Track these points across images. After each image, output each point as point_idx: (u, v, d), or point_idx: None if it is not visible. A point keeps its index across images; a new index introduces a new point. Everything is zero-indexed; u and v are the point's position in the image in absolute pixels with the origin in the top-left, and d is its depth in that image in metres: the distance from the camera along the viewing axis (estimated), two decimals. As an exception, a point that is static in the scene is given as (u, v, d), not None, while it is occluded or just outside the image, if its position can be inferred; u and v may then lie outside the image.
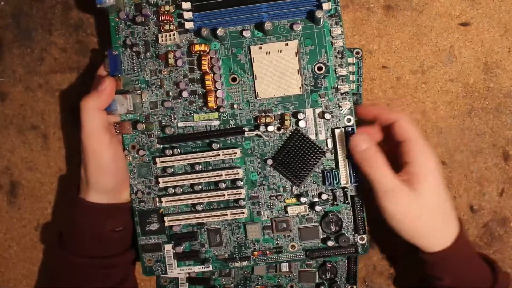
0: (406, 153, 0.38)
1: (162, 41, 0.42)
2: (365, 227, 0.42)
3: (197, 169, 0.42)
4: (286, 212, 0.42)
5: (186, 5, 0.41)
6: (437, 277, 0.39)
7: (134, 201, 0.43)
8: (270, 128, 0.42)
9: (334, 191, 0.42)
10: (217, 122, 0.43)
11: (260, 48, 0.42)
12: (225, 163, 0.43)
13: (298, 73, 0.42)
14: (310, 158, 0.42)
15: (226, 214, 0.42)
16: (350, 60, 0.44)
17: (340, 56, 0.42)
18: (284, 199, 0.43)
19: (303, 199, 0.42)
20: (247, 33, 0.41)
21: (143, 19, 0.41)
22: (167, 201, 0.42)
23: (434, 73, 0.45)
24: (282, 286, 0.46)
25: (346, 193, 0.42)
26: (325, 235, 0.43)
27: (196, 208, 0.43)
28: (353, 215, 0.42)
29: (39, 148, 0.49)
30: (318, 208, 0.42)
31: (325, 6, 0.40)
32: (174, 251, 0.43)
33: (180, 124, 0.43)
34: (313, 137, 0.42)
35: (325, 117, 0.41)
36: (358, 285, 0.45)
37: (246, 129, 0.42)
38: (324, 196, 0.42)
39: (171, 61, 0.42)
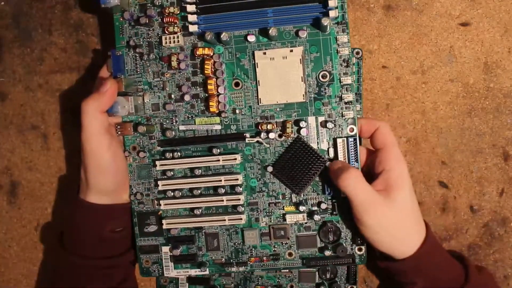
0: (383, 160, 0.39)
1: (166, 43, 0.42)
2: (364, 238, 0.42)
3: (196, 173, 0.42)
4: (285, 219, 0.42)
5: (190, 8, 0.40)
6: (410, 283, 0.39)
7: (133, 202, 0.43)
8: (272, 135, 0.41)
9: (334, 201, 0.42)
10: (218, 127, 0.42)
11: (265, 53, 0.41)
12: (225, 168, 0.43)
13: (302, 80, 0.41)
14: (310, 167, 0.41)
15: (224, 220, 0.42)
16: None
17: (345, 64, 0.41)
18: (283, 207, 0.42)
19: (302, 208, 0.42)
20: (251, 38, 0.41)
21: (147, 20, 0.41)
22: (165, 204, 0.42)
23: (434, 73, 0.44)
24: (282, 286, 0.45)
25: (347, 203, 0.42)
26: (323, 244, 0.42)
27: (195, 212, 0.43)
28: (351, 225, 0.42)
29: (39, 148, 0.49)
30: (316, 217, 0.42)
31: (332, 13, 0.39)
32: (171, 254, 0.43)
33: (181, 128, 0.43)
34: (314, 145, 0.42)
35: (327, 126, 0.41)
36: (358, 285, 0.45)
37: (247, 135, 0.42)
38: (323, 206, 0.42)
39: (174, 63, 0.42)
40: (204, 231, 0.43)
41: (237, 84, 0.42)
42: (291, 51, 0.41)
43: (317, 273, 0.45)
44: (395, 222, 0.38)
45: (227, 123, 0.42)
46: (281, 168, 0.42)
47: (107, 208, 0.41)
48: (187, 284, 0.47)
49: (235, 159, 0.41)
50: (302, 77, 0.41)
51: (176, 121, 0.43)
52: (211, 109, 0.42)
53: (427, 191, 0.46)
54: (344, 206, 0.42)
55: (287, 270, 0.45)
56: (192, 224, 0.42)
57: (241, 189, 0.42)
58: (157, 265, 0.44)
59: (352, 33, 0.46)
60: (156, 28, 0.42)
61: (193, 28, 0.41)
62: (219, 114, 0.42)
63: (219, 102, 0.42)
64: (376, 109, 0.46)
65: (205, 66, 0.41)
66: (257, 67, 0.41)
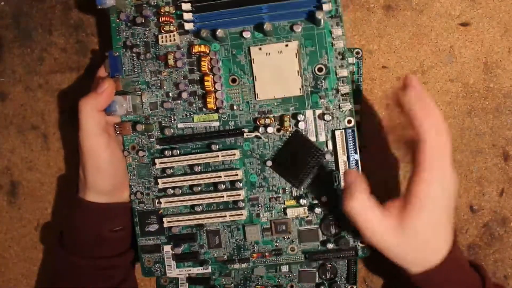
0: (414, 181, 0.34)
1: (162, 42, 0.42)
2: None
3: (196, 170, 0.42)
4: (286, 214, 0.42)
5: (186, 6, 0.41)
6: None
7: (133, 202, 0.43)
8: (270, 130, 0.42)
9: (335, 193, 0.42)
10: (216, 124, 0.43)
11: (260, 49, 0.42)
12: (225, 164, 0.43)
13: (298, 74, 0.41)
14: (310, 160, 0.41)
15: (225, 216, 0.42)
16: (350, 60, 0.43)
17: (340, 57, 0.41)
18: (284, 201, 0.42)
19: (302, 201, 0.42)
20: (247, 34, 0.41)
21: (143, 20, 0.42)
22: (166, 202, 0.42)
23: (434, 73, 0.44)
24: (282, 286, 0.45)
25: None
26: (325, 238, 0.42)
27: (195, 209, 0.43)
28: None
29: (39, 148, 0.49)
30: (317, 210, 0.42)
31: (326, 7, 0.40)
32: (173, 252, 0.43)
33: (180, 125, 0.43)
34: (313, 138, 0.42)
35: (325, 118, 0.41)
36: (358, 285, 0.45)
37: (246, 130, 0.42)
38: (324, 198, 0.42)
39: (171, 62, 0.42)
40: (205, 228, 0.43)
41: (234, 81, 0.42)
42: (287, 45, 0.41)
43: (317, 273, 0.45)
44: (404, 249, 0.35)
45: (225, 120, 0.43)
46: (281, 162, 0.42)
47: (106, 207, 0.41)
48: (187, 284, 0.46)
49: (234, 154, 0.41)
50: (298, 71, 0.41)
51: (175, 119, 0.43)
52: (209, 106, 0.42)
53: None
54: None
55: (287, 270, 0.45)
56: (193, 222, 0.42)
57: (241, 184, 0.42)
58: (159, 265, 0.44)
59: (352, 33, 0.46)
60: (153, 27, 0.43)
61: (189, 26, 0.41)
62: (217, 111, 0.42)
63: (216, 98, 0.42)
64: (376, 109, 0.46)
65: (202, 63, 0.42)
66: (253, 62, 0.42)
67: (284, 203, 0.42)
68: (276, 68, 0.42)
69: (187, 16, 0.41)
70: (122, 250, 0.43)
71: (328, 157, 0.41)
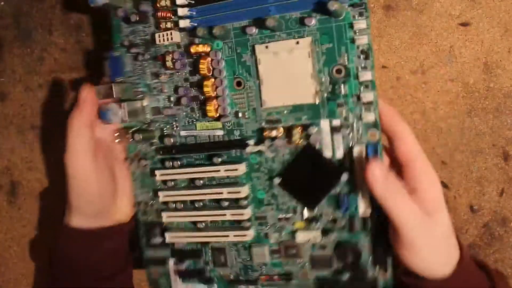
0: (414, 178, 0.33)
1: (160, 41, 0.37)
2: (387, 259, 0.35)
3: (197, 184, 0.39)
4: (295, 237, 0.37)
5: (180, 0, 0.36)
6: None
7: (138, 212, 0.41)
8: (278, 142, 0.36)
9: (352, 218, 0.36)
10: (221, 132, 0.38)
11: (267, 47, 0.35)
12: (230, 178, 0.38)
13: (312, 78, 0.35)
14: (325, 179, 0.35)
15: (228, 236, 0.38)
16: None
17: (364, 56, 0.34)
18: (294, 222, 0.37)
19: (315, 225, 0.36)
20: (250, 30, 0.35)
21: (137, 18, 0.37)
22: (168, 217, 0.39)
23: (434, 73, 0.42)
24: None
25: (366, 221, 0.35)
26: (340, 266, 0.37)
27: (198, 226, 0.39)
28: (373, 245, 0.36)
29: (39, 148, 0.49)
30: (332, 235, 0.36)
31: (342, -5, 0.32)
32: (177, 269, 0.41)
33: (183, 133, 0.39)
34: (329, 153, 0.35)
35: (343, 131, 0.34)
36: None
37: (251, 142, 0.37)
38: (339, 223, 0.36)
39: (169, 63, 0.38)
40: (210, 245, 0.40)
41: (239, 84, 0.37)
42: (298, 43, 0.35)
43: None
44: (439, 243, 0.34)
45: (229, 128, 0.38)
46: (290, 180, 0.36)
47: (92, 232, 0.38)
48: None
49: (237, 169, 0.37)
50: (312, 73, 0.35)
51: (177, 126, 0.39)
52: (209, 114, 0.37)
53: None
54: (364, 223, 0.35)
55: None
56: (195, 239, 0.39)
57: (246, 202, 0.38)
58: (166, 277, 0.42)
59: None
60: (152, 24, 0.38)
61: (184, 24, 0.36)
62: (218, 119, 0.38)
63: (218, 105, 0.37)
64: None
65: (200, 66, 0.37)
66: (259, 63, 0.36)
67: (294, 225, 0.37)
68: (286, 70, 0.35)
69: (181, 11, 0.36)
70: (115, 271, 0.40)
71: (345, 177, 0.35)
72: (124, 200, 0.41)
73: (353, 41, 0.34)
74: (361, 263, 0.36)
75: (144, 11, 0.38)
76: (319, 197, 0.36)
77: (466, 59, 0.42)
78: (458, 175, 0.43)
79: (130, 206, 0.42)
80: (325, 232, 0.36)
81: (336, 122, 0.35)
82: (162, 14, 0.37)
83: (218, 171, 0.37)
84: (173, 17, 0.37)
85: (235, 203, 0.38)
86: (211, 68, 0.37)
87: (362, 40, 0.34)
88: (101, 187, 0.37)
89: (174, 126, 0.39)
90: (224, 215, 0.38)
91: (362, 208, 0.35)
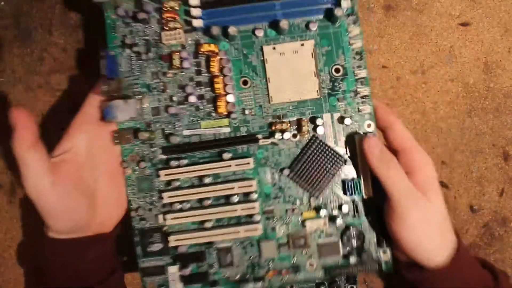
0: (407, 162, 0.36)
1: (167, 40, 0.38)
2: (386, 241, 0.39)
3: (205, 182, 0.38)
4: (304, 227, 0.39)
5: (193, 1, 0.37)
6: None
7: (134, 219, 0.39)
8: (286, 135, 0.38)
9: (355, 202, 0.39)
10: (227, 130, 0.39)
11: (274, 48, 0.39)
12: (236, 174, 0.39)
13: (315, 76, 0.39)
14: (329, 167, 0.39)
15: (239, 231, 0.38)
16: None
17: (358, 57, 0.39)
18: (301, 213, 0.39)
19: (322, 212, 0.39)
20: (259, 32, 0.38)
21: (146, 17, 0.37)
22: (172, 219, 0.38)
23: (434, 73, 0.44)
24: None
25: (369, 204, 0.39)
26: (347, 251, 0.39)
27: (205, 225, 0.38)
28: (376, 227, 0.39)
29: None
30: (339, 221, 0.39)
31: (344, 3, 0.37)
32: (181, 274, 0.38)
33: (186, 132, 0.39)
34: (331, 144, 0.39)
35: (345, 122, 0.38)
36: (358, 285, 0.42)
37: (260, 136, 0.38)
38: (344, 208, 0.39)
39: (176, 62, 0.38)
40: (215, 246, 0.39)
41: (245, 82, 0.39)
42: (302, 45, 0.39)
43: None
44: (434, 224, 0.35)
45: (236, 125, 0.39)
46: (298, 171, 0.39)
47: (75, 241, 0.35)
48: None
49: (249, 163, 0.38)
50: (315, 72, 0.39)
51: (180, 126, 0.39)
52: (219, 110, 0.38)
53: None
54: (366, 207, 0.39)
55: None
56: (202, 239, 0.38)
57: (256, 195, 0.39)
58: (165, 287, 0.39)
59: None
60: (154, 24, 0.39)
61: (197, 23, 0.37)
62: (227, 116, 0.39)
63: (228, 102, 0.38)
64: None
65: (211, 64, 0.38)
66: (267, 63, 0.39)
67: (302, 215, 0.39)
68: (291, 69, 0.39)
69: (195, 12, 0.37)
70: (104, 277, 0.37)
71: (348, 164, 0.39)
72: (106, 211, 0.38)
73: (349, 44, 0.39)
74: (365, 246, 0.39)
75: (148, 11, 0.38)
76: (325, 184, 0.39)
77: (466, 59, 0.42)
78: (458, 175, 0.43)
79: (116, 215, 0.39)
80: (332, 219, 0.39)
81: (337, 115, 0.39)
82: (170, 15, 0.38)
83: (229, 166, 0.38)
84: (178, 17, 0.38)
85: (245, 198, 0.38)
86: (221, 67, 0.38)
87: (357, 44, 0.39)
88: (67, 205, 0.34)
89: (176, 125, 0.39)
90: (235, 210, 0.38)
91: (365, 190, 0.39)
